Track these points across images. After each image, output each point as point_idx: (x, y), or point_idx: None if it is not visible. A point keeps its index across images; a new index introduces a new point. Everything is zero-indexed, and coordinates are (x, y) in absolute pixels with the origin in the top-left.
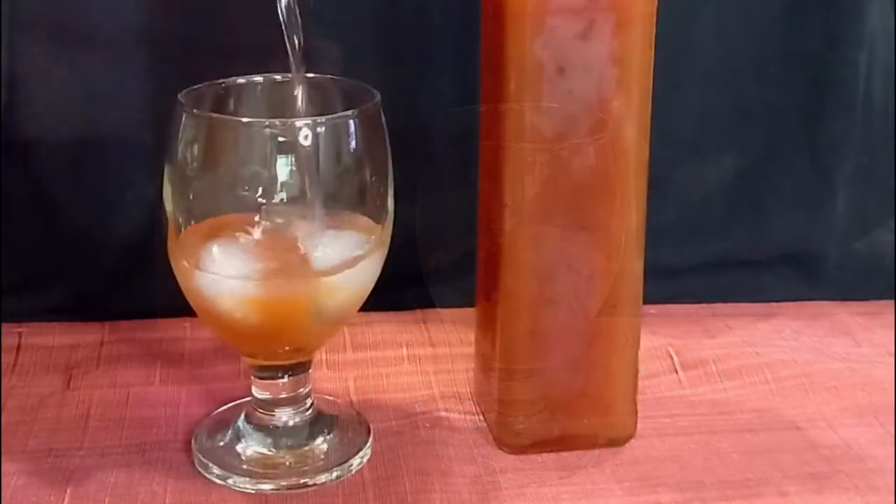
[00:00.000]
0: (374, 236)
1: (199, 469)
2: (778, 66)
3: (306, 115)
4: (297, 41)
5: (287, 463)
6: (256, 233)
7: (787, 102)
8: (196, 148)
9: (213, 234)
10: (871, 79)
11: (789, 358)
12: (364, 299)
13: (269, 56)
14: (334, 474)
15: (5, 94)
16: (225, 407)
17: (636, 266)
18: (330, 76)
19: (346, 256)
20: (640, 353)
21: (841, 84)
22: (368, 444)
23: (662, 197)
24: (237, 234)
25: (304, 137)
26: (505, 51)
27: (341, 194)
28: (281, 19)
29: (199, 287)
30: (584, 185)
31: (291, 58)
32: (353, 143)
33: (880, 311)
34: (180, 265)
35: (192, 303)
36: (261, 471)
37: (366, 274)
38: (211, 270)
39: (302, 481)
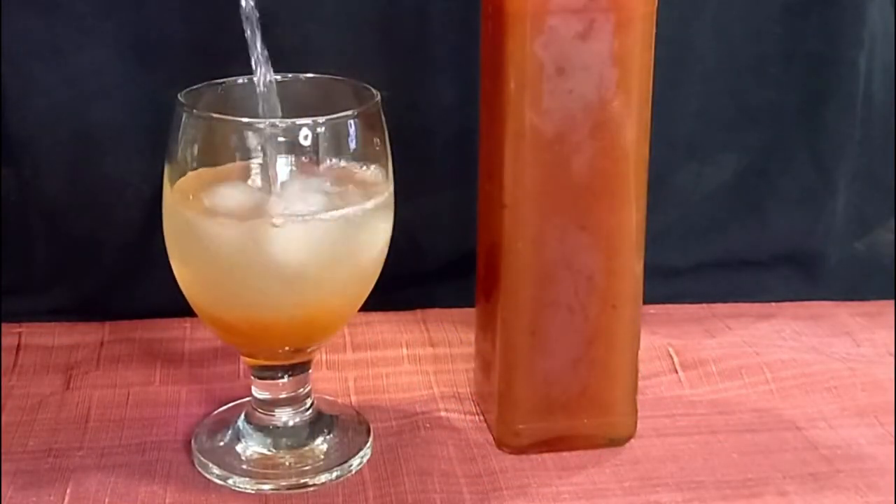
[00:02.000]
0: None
1: (199, 469)
2: (778, 66)
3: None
4: (258, 44)
5: (287, 463)
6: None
7: (787, 102)
8: (196, 148)
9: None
10: (871, 79)
11: (789, 358)
12: (362, 298)
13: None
14: (334, 474)
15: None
16: (225, 407)
17: (636, 266)
18: (330, 76)
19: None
20: (640, 353)
21: (841, 84)
22: (368, 444)
23: (662, 197)
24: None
25: (304, 137)
26: (505, 51)
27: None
28: (244, 23)
29: (190, 229)
30: (584, 185)
31: (254, 59)
32: (353, 144)
33: (880, 311)
34: (174, 213)
35: (180, 260)
36: (261, 471)
37: (364, 258)
38: (208, 210)
39: (302, 481)
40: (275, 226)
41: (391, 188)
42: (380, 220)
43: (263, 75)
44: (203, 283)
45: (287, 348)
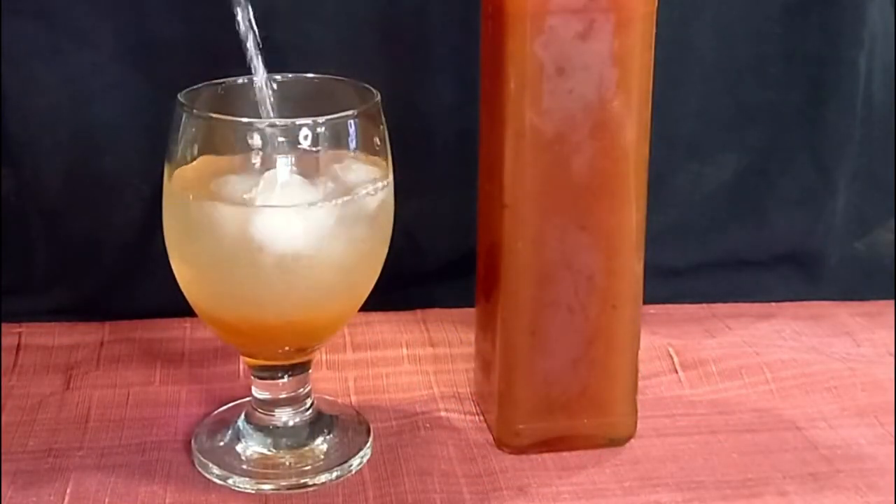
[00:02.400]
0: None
1: (199, 469)
2: (778, 66)
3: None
4: (254, 44)
5: (287, 463)
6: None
7: (787, 102)
8: (196, 148)
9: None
10: (870, 79)
11: (789, 358)
12: (362, 297)
13: (268, 56)
14: (334, 474)
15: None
16: (225, 407)
17: (636, 266)
18: (330, 76)
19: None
20: (640, 353)
21: (841, 84)
22: (368, 444)
23: (662, 197)
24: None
25: (304, 137)
26: (505, 51)
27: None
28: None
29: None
30: (584, 185)
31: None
32: (353, 144)
33: (880, 311)
34: (174, 205)
35: (181, 254)
36: (261, 471)
37: (363, 247)
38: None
39: (302, 481)
40: (273, 211)
41: (391, 184)
42: (379, 213)
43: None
44: (203, 282)
45: (287, 348)
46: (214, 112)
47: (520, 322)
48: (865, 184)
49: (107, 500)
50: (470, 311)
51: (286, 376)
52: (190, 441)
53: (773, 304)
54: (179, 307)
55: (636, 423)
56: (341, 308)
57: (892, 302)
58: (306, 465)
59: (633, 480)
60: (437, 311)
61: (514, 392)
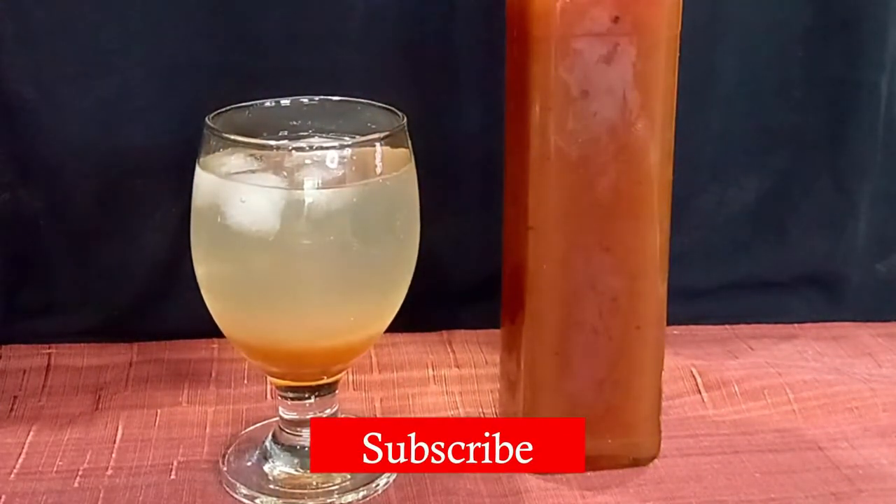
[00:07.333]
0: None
1: (227, 489)
2: (800, 90)
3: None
4: None
5: (314, 483)
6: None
7: (809, 125)
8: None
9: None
10: (892, 101)
11: (811, 378)
12: (390, 314)
13: (295, 79)
14: (360, 494)
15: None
16: (252, 427)
17: (660, 287)
18: (357, 99)
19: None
20: (663, 373)
21: (862, 107)
22: None
23: (685, 219)
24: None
25: (331, 160)
26: (529, 74)
27: (367, 216)
28: None
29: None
30: (608, 207)
31: None
32: (379, 167)
33: None
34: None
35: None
36: (288, 490)
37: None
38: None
39: (328, 501)
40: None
41: (411, 173)
42: (404, 217)
43: None
44: (232, 302)
45: (314, 369)
46: (241, 135)
47: (544, 343)
48: (887, 206)
49: None
50: (495, 333)
51: (313, 397)
52: (218, 461)
53: (796, 325)
54: (207, 328)
55: (660, 443)
56: (368, 324)
57: None
58: (333, 485)
59: (656, 500)
60: (462, 332)
61: (539, 412)
